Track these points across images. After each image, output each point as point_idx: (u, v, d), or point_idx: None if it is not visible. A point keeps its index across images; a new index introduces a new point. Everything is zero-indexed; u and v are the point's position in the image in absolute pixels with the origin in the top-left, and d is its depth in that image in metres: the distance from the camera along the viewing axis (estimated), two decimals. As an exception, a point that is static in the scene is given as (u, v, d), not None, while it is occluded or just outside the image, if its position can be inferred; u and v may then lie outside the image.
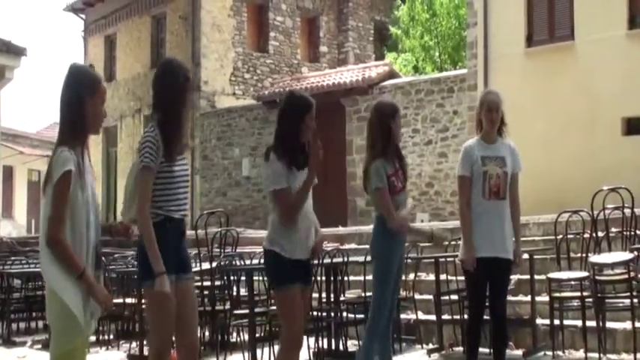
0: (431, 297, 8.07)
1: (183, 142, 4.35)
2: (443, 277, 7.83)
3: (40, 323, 10.09)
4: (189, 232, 6.71)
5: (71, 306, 3.47)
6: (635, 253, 6.70)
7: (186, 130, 4.42)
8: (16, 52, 14.16)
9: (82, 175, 3.58)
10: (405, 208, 5.64)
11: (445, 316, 7.79)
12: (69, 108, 3.64)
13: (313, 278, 5.74)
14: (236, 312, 7.53)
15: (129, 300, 8.38)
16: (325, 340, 7.43)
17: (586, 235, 7.37)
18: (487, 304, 5.63)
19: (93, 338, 8.86)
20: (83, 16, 26.11)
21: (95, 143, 25.42)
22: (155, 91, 4.31)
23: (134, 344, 8.21)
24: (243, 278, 8.09)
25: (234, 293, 7.91)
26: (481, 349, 7.25)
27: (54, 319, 3.59)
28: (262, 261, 5.21)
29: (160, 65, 4.45)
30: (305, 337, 5.51)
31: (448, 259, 7.98)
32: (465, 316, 7.58)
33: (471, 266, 5.41)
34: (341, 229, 13.01)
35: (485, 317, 5.69)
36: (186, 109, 4.32)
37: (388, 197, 5.44)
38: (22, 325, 10.21)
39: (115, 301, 7.42)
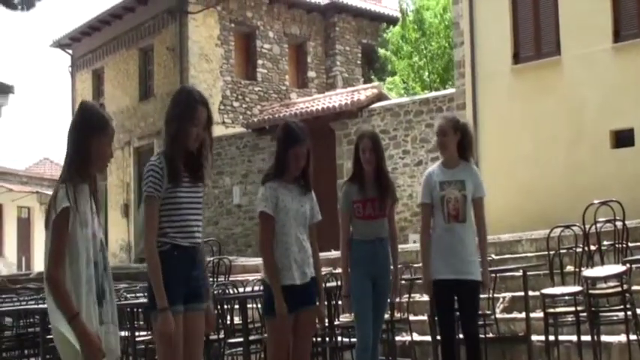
0: (425, 318, 8.01)
1: (203, 168, 4.23)
2: (437, 297, 7.76)
3: (33, 361, 9.97)
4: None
5: (71, 338, 3.41)
6: (628, 265, 6.68)
7: (205, 156, 4.24)
8: (4, 90, 14.18)
9: (84, 212, 3.54)
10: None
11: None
12: (74, 146, 3.62)
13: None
14: (230, 341, 7.48)
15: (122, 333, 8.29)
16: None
17: (578, 250, 7.33)
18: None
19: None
20: (70, 51, 26.17)
21: (86, 177, 25.35)
22: (165, 118, 4.25)
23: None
24: (236, 307, 8.02)
25: (228, 322, 7.84)
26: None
27: (63, 354, 3.51)
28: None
29: (174, 94, 4.34)
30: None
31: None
32: (461, 336, 7.54)
33: (427, 291, 5.65)
34: (333, 253, 12.89)
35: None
36: (192, 134, 4.13)
37: (345, 222, 5.66)
38: (15, 363, 10.09)
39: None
